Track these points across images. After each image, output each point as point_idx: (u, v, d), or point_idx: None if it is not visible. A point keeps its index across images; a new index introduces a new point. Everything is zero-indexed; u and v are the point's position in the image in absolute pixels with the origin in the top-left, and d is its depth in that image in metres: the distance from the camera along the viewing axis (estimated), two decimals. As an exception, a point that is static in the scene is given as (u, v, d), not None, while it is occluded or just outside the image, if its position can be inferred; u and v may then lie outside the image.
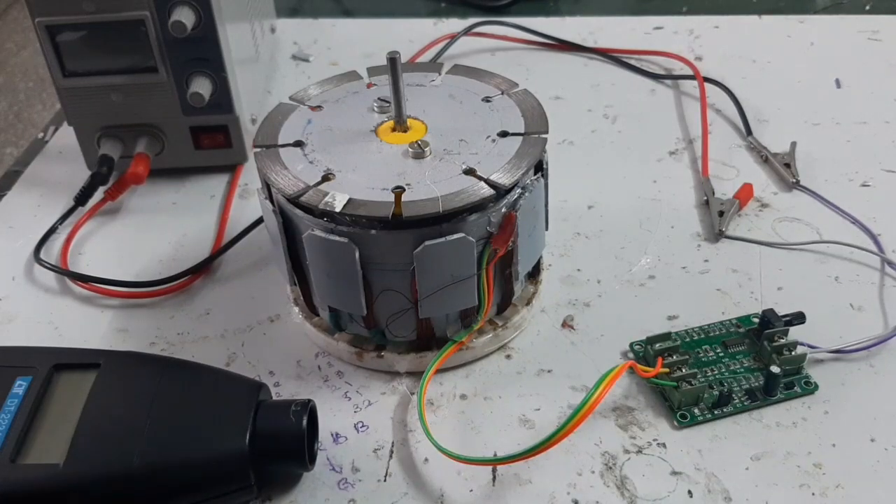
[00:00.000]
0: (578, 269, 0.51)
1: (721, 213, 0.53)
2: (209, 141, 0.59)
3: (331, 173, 0.42)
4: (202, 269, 0.53)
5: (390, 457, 0.42)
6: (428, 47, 0.72)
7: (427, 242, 0.40)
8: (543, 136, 0.44)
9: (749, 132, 0.61)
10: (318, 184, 0.42)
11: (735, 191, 0.55)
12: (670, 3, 0.80)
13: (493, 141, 0.44)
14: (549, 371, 0.45)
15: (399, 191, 0.41)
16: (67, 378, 0.41)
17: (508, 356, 0.46)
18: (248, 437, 0.38)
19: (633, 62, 0.70)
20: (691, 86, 0.67)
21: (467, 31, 0.73)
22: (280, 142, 0.45)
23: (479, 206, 0.41)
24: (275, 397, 0.44)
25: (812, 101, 0.65)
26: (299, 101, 0.48)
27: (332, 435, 0.43)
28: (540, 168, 0.44)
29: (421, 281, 0.42)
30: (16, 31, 2.26)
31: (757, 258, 0.51)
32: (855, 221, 0.53)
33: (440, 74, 0.50)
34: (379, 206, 0.40)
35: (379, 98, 0.47)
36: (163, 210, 0.59)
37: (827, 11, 0.78)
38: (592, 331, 0.47)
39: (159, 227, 0.57)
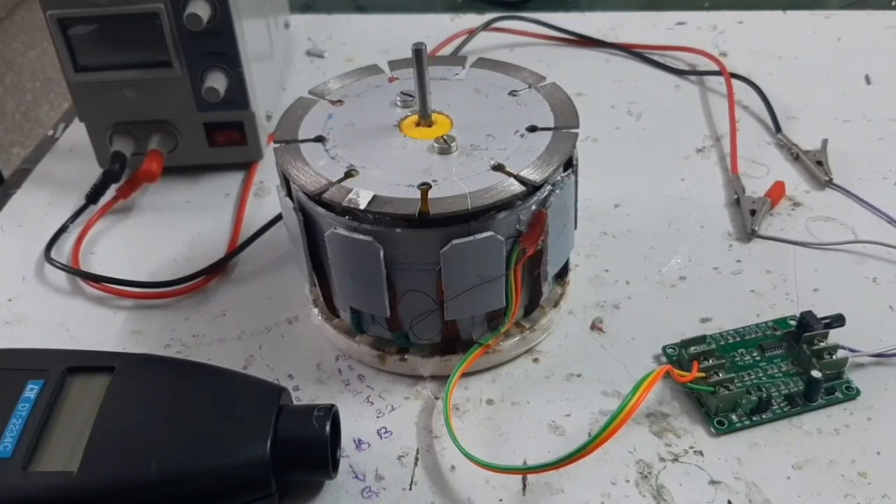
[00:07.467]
0: (606, 270, 0.50)
1: (753, 212, 0.52)
2: (224, 138, 0.57)
3: (354, 169, 0.41)
4: (217, 270, 0.51)
5: (415, 464, 0.40)
6: (445, 43, 0.70)
7: (454, 241, 0.39)
8: (574, 130, 0.42)
9: (778, 129, 0.59)
10: (341, 180, 0.40)
11: (766, 189, 0.54)
12: (692, -2, 0.78)
13: (522, 136, 0.42)
14: (578, 375, 0.44)
15: (425, 187, 0.39)
16: (81, 382, 0.39)
17: (536, 360, 0.45)
18: (269, 443, 0.36)
19: (656, 58, 0.68)
20: (717, 82, 0.65)
21: (486, 27, 0.72)
22: (300, 137, 0.43)
23: (509, 204, 0.39)
24: (295, 402, 0.43)
25: (842, 98, 0.63)
26: (319, 95, 0.46)
27: (354, 441, 0.41)
28: (570, 164, 0.43)
29: (447, 281, 0.40)
30: (23, 30, 2.25)
31: (791, 259, 0.50)
32: (891, 221, 0.51)
33: (464, 68, 0.48)
34: (405, 203, 0.38)
35: (402, 92, 0.45)
36: (176, 209, 0.57)
37: (852, 7, 0.76)
38: (623, 333, 0.46)
39: (173, 226, 0.55)
